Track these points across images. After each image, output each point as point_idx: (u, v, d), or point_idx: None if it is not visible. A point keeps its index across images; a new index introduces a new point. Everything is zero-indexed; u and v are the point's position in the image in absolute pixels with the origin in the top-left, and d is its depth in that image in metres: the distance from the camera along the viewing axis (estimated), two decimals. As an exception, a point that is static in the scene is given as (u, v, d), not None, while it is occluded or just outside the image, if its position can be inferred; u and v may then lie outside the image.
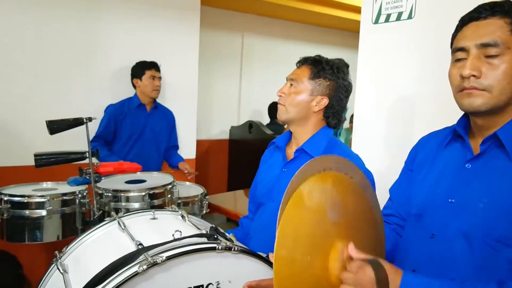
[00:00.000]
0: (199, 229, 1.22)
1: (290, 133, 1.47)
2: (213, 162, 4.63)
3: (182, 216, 1.34)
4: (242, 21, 4.65)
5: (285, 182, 1.35)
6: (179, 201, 2.26)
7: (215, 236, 1.12)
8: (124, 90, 2.98)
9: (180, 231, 1.09)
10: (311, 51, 1.46)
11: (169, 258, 0.96)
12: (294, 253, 0.78)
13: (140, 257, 0.98)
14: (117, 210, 1.98)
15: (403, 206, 1.20)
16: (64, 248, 1.26)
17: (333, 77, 1.36)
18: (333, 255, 0.82)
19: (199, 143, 3.65)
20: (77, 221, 1.95)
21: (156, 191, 2.03)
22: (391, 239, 1.17)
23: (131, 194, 1.98)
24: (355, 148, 2.00)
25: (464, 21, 0.96)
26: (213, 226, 1.19)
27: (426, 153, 1.14)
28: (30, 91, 2.74)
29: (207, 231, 1.18)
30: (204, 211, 2.39)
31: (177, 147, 3.13)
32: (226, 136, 4.71)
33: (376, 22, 1.88)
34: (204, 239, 1.11)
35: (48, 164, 1.73)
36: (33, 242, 1.85)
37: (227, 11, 4.50)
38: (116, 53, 3.02)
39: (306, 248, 0.80)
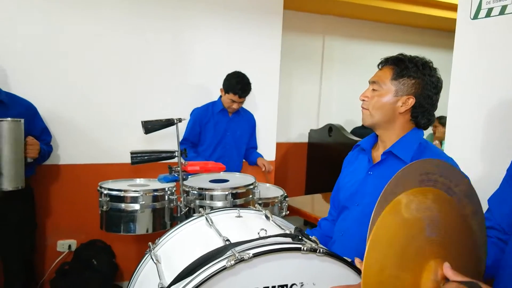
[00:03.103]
0: (282, 229, 1.23)
1: (376, 135, 1.42)
2: (291, 165, 4.64)
3: (266, 216, 1.36)
4: (323, 23, 4.61)
5: (371, 186, 1.32)
6: (260, 201, 2.29)
7: (300, 237, 1.12)
8: (208, 93, 3.12)
9: (265, 230, 1.10)
10: (397, 52, 1.39)
11: (256, 255, 0.98)
12: (384, 263, 0.75)
13: (228, 253, 1.01)
14: (201, 208, 2.08)
15: (506, 219, 1.09)
16: (156, 240, 1.34)
17: (418, 74, 1.28)
18: (427, 274, 0.77)
19: (278, 146, 3.68)
20: (165, 216, 2.06)
21: (239, 190, 2.08)
22: (492, 253, 1.07)
23: (215, 192, 2.05)
24: (448, 153, 1.86)
25: None
26: (297, 227, 1.19)
27: None
28: (126, 94, 2.99)
29: (291, 232, 1.18)
30: (284, 213, 2.40)
31: (256, 148, 3.18)
32: (305, 139, 4.69)
33: (475, 17, 1.74)
34: (289, 239, 1.11)
35: (142, 161, 1.86)
36: (128, 233, 2.00)
37: (308, 13, 4.49)
38: (202, 59, 3.17)
39: (398, 260, 0.76)
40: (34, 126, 2.46)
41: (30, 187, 2.47)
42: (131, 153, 1.84)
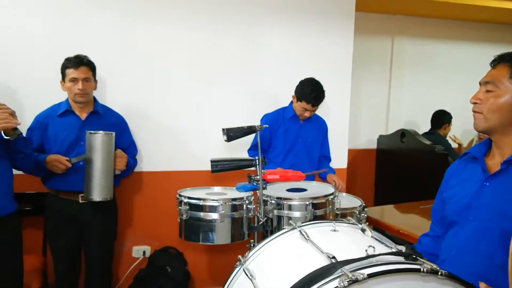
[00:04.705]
0: (388, 246, 1.11)
1: (490, 141, 1.26)
2: (359, 173, 4.44)
3: (363, 230, 1.25)
4: (391, 23, 4.39)
5: (488, 199, 1.16)
6: (337, 212, 2.18)
7: (414, 256, 1.00)
8: (277, 99, 3.06)
9: (373, 247, 1.00)
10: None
11: (371, 276, 0.88)
12: None
13: (337, 272, 0.92)
14: (279, 218, 2.01)
15: None
16: (246, 253, 1.28)
17: None
18: None
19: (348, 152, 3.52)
20: (244, 226, 2.01)
21: (318, 201, 1.99)
22: None
23: (294, 202, 1.98)
24: None
25: None
26: (408, 244, 1.07)
27: None
28: (203, 101, 3.03)
29: (398, 249, 1.07)
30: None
31: (329, 159, 3.04)
32: (373, 145, 4.48)
33: None
34: (401, 258, 1.00)
35: (222, 170, 1.82)
36: (206, 243, 1.97)
37: (376, 14, 4.29)
38: (273, 64, 3.12)
39: None
40: (123, 138, 2.53)
41: (114, 198, 2.53)
42: (212, 161, 1.81)
